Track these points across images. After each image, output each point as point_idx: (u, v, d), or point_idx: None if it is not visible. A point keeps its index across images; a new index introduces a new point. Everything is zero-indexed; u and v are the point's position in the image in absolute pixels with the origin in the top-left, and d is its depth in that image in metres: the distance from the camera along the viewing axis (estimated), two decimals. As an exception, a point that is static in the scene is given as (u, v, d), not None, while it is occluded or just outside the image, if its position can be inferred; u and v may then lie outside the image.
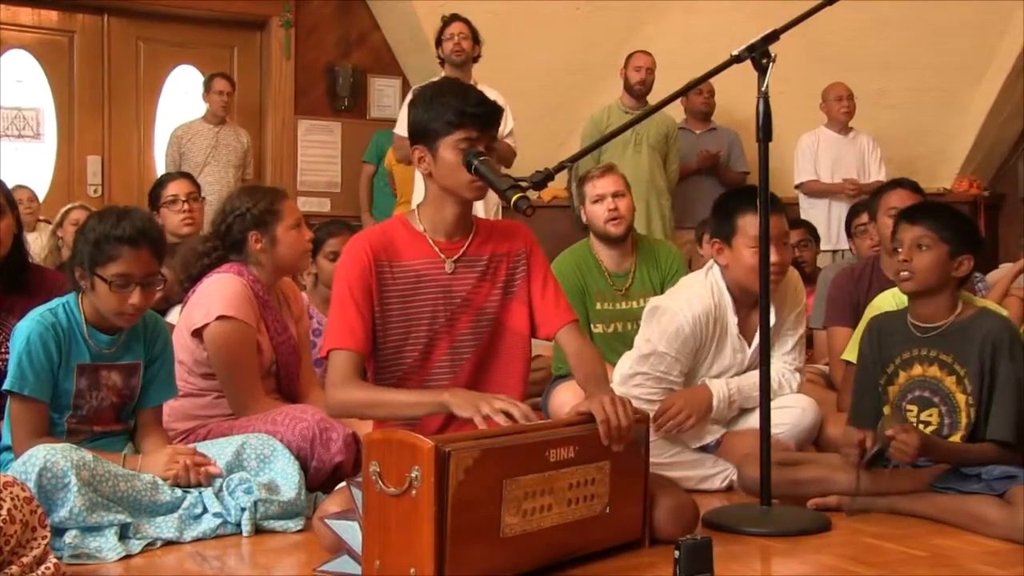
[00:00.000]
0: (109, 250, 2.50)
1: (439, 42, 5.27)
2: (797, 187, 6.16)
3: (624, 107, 5.85)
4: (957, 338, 2.74)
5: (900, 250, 2.80)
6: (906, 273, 2.78)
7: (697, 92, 6.12)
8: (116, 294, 2.51)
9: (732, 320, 3.10)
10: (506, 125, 5.27)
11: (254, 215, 3.07)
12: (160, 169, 6.51)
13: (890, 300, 3.29)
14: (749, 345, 3.12)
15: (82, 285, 2.56)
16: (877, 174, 5.99)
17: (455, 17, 5.28)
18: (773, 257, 2.87)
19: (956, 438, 2.71)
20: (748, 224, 2.99)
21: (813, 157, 6.13)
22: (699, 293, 3.10)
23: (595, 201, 3.77)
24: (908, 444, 2.57)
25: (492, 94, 5.39)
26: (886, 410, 2.82)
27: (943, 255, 2.76)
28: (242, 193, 3.22)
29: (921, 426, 2.74)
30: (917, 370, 2.79)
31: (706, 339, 3.09)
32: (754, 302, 3.10)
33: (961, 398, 2.71)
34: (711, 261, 3.18)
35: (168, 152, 6.19)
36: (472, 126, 2.37)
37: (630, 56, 5.89)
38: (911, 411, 2.77)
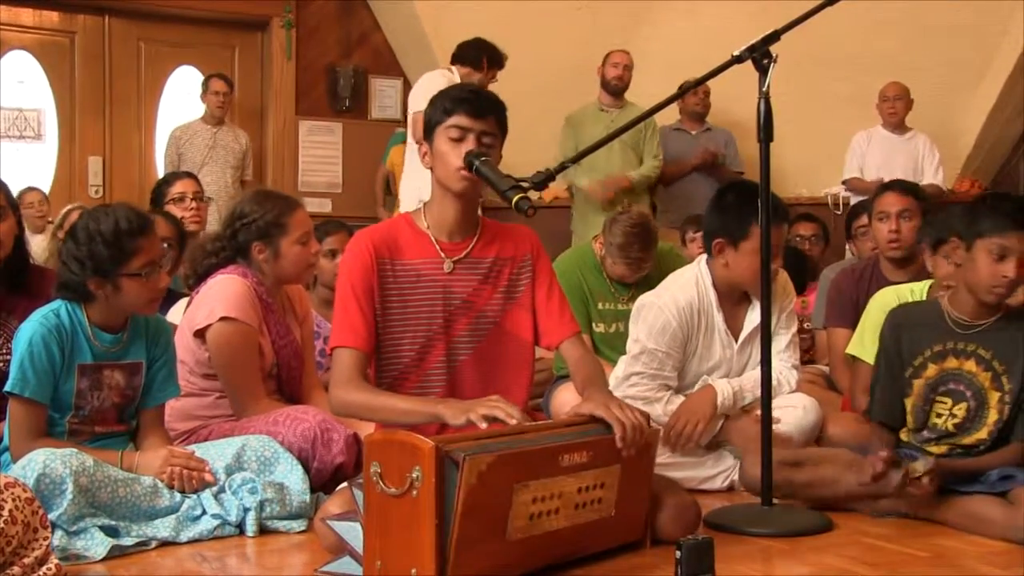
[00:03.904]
0: (129, 245, 2.51)
1: None
2: (843, 183, 6.15)
3: (601, 105, 5.89)
4: (1001, 336, 2.72)
5: (1009, 259, 2.63)
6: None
7: (692, 93, 6.13)
8: (148, 283, 2.55)
9: (717, 315, 3.11)
10: None
11: (259, 227, 3.06)
12: (161, 169, 6.52)
13: (892, 297, 3.28)
14: (736, 340, 3.13)
15: (98, 295, 2.54)
16: (933, 177, 5.93)
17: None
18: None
19: (982, 434, 2.70)
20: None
21: (861, 155, 6.10)
22: (683, 287, 3.12)
23: None
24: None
25: None
26: (908, 405, 2.80)
27: None
28: (253, 200, 3.16)
29: (951, 419, 2.74)
30: (951, 363, 2.76)
31: (692, 331, 3.10)
32: (739, 298, 3.15)
33: (993, 395, 2.70)
34: (700, 257, 3.19)
35: (167, 152, 6.21)
36: (462, 112, 2.37)
37: (609, 54, 5.95)
38: (944, 403, 2.76)
